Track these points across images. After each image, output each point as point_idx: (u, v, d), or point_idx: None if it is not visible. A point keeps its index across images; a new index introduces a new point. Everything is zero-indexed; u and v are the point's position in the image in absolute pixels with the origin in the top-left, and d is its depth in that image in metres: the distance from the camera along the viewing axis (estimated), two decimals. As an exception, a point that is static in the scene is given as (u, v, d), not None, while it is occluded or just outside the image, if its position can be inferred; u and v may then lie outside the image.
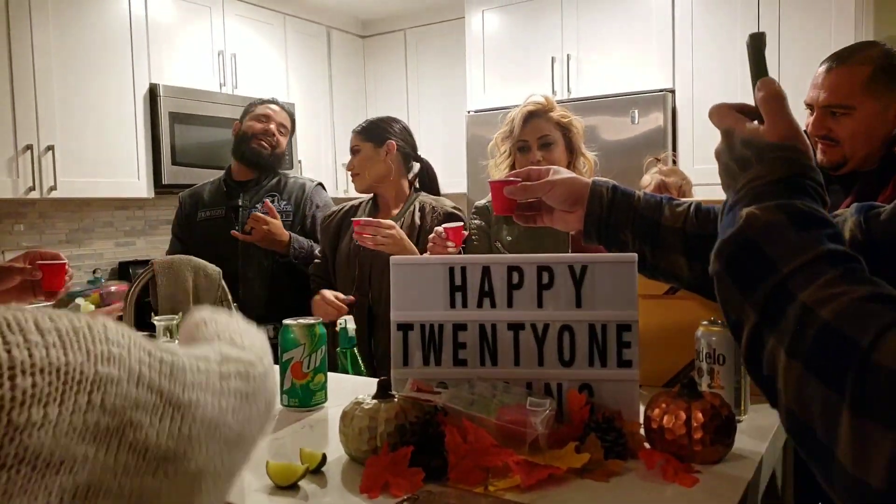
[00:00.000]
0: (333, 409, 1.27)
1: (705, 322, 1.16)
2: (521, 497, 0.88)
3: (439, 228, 1.91)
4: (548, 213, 1.11)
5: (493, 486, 0.90)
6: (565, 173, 1.10)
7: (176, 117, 3.56)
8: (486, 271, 1.13)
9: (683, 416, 0.95)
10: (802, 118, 1.55)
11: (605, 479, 0.92)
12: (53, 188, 3.11)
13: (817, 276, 0.57)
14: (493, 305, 1.13)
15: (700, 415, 0.95)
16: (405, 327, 1.15)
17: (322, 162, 4.61)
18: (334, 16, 4.65)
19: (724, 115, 0.76)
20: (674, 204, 1.03)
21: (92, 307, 3.17)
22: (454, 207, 2.18)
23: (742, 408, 1.14)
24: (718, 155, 0.76)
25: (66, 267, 1.50)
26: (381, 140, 2.18)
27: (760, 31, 0.80)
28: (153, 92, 3.51)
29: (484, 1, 4.12)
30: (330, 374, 1.35)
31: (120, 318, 1.73)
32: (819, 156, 1.59)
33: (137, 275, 3.80)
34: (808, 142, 0.71)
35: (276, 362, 0.94)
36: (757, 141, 0.70)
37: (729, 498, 0.87)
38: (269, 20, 4.23)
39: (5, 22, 2.95)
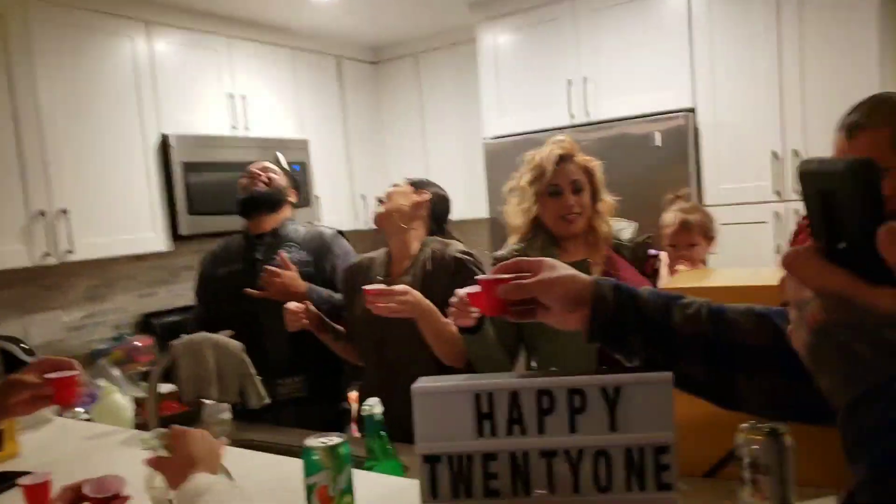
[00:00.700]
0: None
1: (745, 425, 1.09)
2: None
3: (461, 293, 1.84)
4: (544, 309, 1.03)
5: None
6: (562, 269, 1.02)
7: (189, 166, 3.53)
8: (514, 396, 1.07)
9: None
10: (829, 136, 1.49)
11: None
12: (70, 251, 3.08)
13: None
14: (523, 433, 1.07)
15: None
16: (432, 459, 1.09)
17: (340, 194, 4.55)
18: (344, 44, 4.59)
19: (825, 272, 0.51)
20: (682, 305, 0.98)
21: (116, 369, 3.16)
22: (462, 252, 2.12)
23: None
24: (819, 334, 0.52)
25: (78, 378, 1.47)
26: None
27: (864, 156, 0.50)
28: (164, 142, 3.48)
29: (495, 23, 4.04)
30: (357, 475, 1.30)
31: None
32: None
33: (161, 325, 3.81)
34: None
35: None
36: None
37: None
38: (277, 56, 4.17)
39: (6, 83, 2.93)
